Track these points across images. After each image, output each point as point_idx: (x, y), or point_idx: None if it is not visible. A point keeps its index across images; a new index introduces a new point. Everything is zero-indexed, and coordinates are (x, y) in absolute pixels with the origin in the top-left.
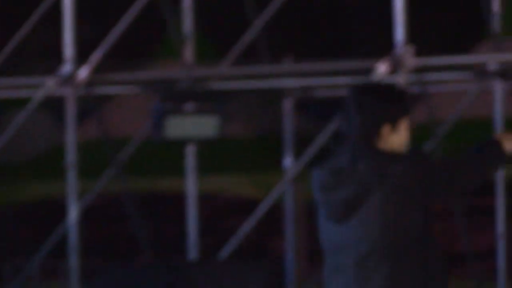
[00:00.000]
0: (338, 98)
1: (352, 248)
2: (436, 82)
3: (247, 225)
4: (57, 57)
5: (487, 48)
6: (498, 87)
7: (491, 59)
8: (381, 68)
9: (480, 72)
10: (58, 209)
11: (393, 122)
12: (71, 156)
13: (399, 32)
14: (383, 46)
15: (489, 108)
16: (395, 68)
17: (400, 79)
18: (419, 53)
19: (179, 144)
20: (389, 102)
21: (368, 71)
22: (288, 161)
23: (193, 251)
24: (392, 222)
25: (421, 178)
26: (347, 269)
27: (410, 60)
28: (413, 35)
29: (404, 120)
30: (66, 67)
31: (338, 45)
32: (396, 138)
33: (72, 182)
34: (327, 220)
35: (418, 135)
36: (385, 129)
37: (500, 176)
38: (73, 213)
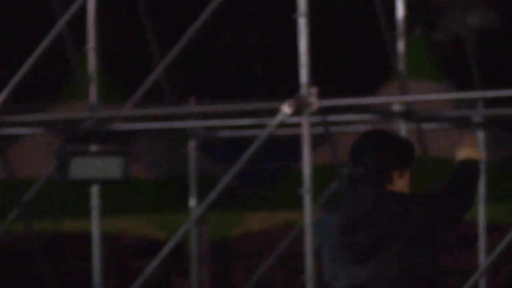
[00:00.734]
0: (242, 139)
1: (374, 286)
2: (341, 123)
3: (152, 265)
4: None
5: (392, 89)
6: (403, 128)
7: (396, 100)
8: (285, 110)
9: (385, 113)
10: None
11: (402, 168)
12: None
13: (303, 73)
14: (287, 87)
15: None
16: (299, 109)
17: (304, 121)
18: (323, 94)
19: (84, 185)
20: (401, 151)
21: (273, 112)
22: (192, 202)
23: None
24: (413, 262)
25: (431, 214)
26: None
27: (314, 101)
28: (317, 77)
29: (408, 169)
30: None
31: (242, 86)
32: (402, 183)
33: None
34: (346, 261)
35: (322, 175)
36: (395, 174)
37: None
38: None
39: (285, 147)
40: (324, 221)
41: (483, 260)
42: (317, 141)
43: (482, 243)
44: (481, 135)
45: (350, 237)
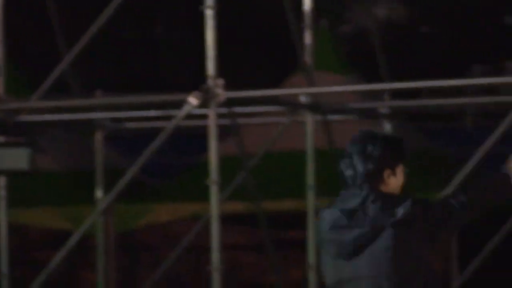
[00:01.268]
0: (149, 130)
1: (360, 282)
2: (247, 114)
3: (58, 257)
4: None
5: (298, 81)
6: (309, 120)
7: (302, 92)
8: (192, 101)
9: (292, 104)
10: None
11: (393, 168)
12: None
13: (210, 65)
14: (194, 79)
15: (300, 141)
16: (206, 101)
17: (211, 112)
18: (230, 86)
19: None
20: (389, 150)
21: (179, 104)
22: (99, 193)
23: (4, 284)
24: (400, 258)
25: (423, 216)
26: None
27: (221, 92)
28: (224, 69)
29: (400, 165)
30: None
31: (149, 79)
32: (394, 181)
33: None
34: (336, 256)
35: (228, 167)
36: (386, 174)
37: (310, 208)
38: None
39: (192, 138)
40: (322, 215)
41: None
42: (224, 132)
43: None
44: (387, 126)
45: (337, 234)
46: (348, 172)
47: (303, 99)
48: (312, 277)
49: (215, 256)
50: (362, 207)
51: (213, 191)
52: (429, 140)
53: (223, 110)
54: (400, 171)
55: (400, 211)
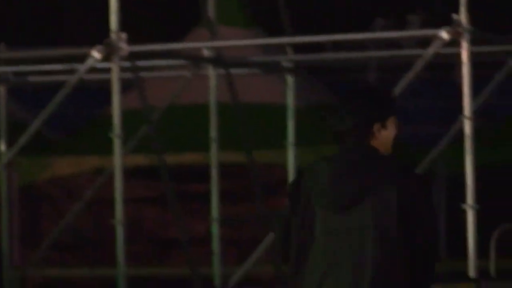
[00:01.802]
0: (52, 84)
1: (349, 235)
2: (150, 68)
3: None
4: None
5: (201, 35)
6: (212, 74)
7: (205, 46)
8: (95, 55)
9: (194, 58)
10: None
11: (382, 121)
12: None
13: (113, 19)
14: (97, 33)
15: (203, 94)
16: (109, 55)
17: (114, 66)
18: (134, 40)
19: None
20: (377, 103)
21: (82, 58)
22: (2, 147)
23: None
24: (403, 212)
25: (404, 202)
26: (340, 253)
27: (124, 47)
28: (127, 22)
29: (391, 118)
30: None
31: (52, 32)
32: (386, 134)
33: None
34: (326, 209)
35: (131, 120)
36: (376, 128)
37: (214, 161)
38: None
39: (94, 92)
40: (315, 168)
41: None
42: (126, 86)
43: None
44: (290, 80)
45: (334, 186)
46: (339, 127)
47: (206, 53)
48: (215, 230)
49: (118, 209)
50: (361, 161)
51: (117, 145)
52: (332, 94)
53: (126, 64)
54: (391, 123)
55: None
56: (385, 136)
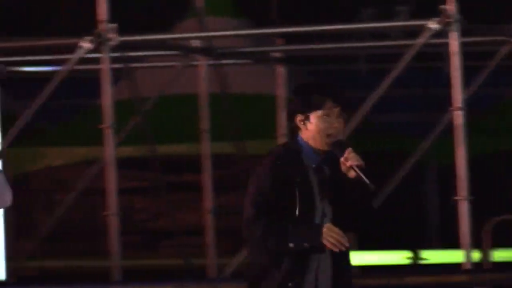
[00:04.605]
0: (42, 75)
1: None
2: (141, 58)
3: None
4: None
5: (190, 26)
6: (202, 64)
7: (196, 36)
8: (85, 45)
9: (184, 48)
10: None
11: (303, 112)
12: None
13: (103, 9)
14: (86, 24)
15: (194, 85)
16: (99, 45)
17: (104, 57)
18: (124, 30)
19: None
20: (299, 97)
21: (72, 48)
22: None
23: None
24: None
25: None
26: None
27: (114, 37)
28: (117, 13)
29: (318, 111)
30: None
31: (41, 22)
32: (313, 127)
33: None
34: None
35: (121, 111)
36: (298, 120)
37: (206, 152)
38: None
39: (84, 82)
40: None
41: None
42: (117, 76)
43: None
44: (281, 70)
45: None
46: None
47: (195, 43)
48: (210, 221)
49: (112, 200)
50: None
51: (108, 136)
52: None
53: (116, 54)
54: (316, 116)
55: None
56: (313, 129)
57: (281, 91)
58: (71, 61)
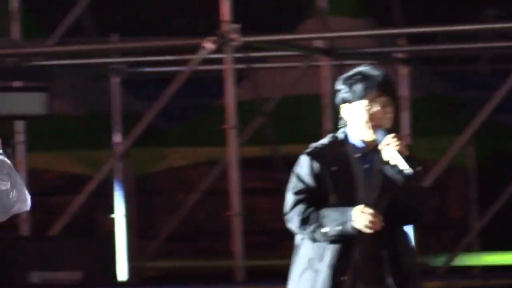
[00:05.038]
0: (164, 75)
1: None
2: (263, 59)
3: (78, 201)
4: None
5: (313, 26)
6: (325, 64)
7: (318, 37)
8: (208, 46)
9: (307, 49)
10: None
11: (349, 103)
12: None
13: (225, 9)
14: (209, 24)
15: (314, 85)
16: (222, 46)
17: (227, 57)
18: (246, 31)
19: (8, 121)
20: (344, 87)
21: (195, 48)
22: (117, 138)
23: (24, 227)
24: None
25: None
26: None
27: (237, 37)
28: (239, 13)
29: (362, 100)
30: None
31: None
32: (357, 117)
33: None
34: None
35: (244, 111)
36: (343, 111)
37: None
38: None
39: (205, 82)
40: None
41: None
42: (239, 77)
43: None
44: (404, 71)
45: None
46: None
47: (318, 43)
48: None
49: (235, 201)
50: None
51: (232, 136)
52: (444, 84)
53: (239, 54)
54: (360, 106)
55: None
56: (356, 119)
57: (404, 92)
58: (194, 62)
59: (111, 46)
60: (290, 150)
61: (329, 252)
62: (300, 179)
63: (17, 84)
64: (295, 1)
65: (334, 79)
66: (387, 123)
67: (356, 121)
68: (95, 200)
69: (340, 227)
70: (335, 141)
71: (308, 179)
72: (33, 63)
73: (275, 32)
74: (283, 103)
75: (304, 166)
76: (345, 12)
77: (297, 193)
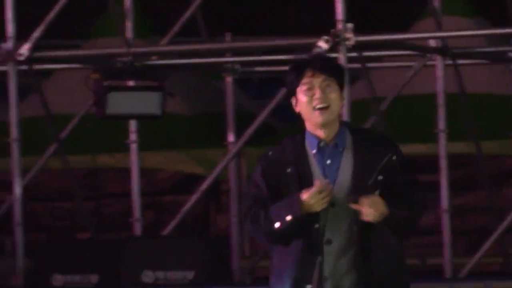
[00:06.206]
0: (277, 74)
1: None
2: (377, 58)
3: (192, 201)
4: None
5: (427, 25)
6: (439, 64)
7: (432, 36)
8: (322, 45)
9: (421, 48)
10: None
11: (291, 91)
12: (14, 132)
13: (340, 8)
14: (323, 23)
15: (429, 85)
16: (335, 45)
17: (341, 56)
18: (359, 30)
19: (121, 120)
20: (289, 75)
21: (309, 48)
22: (231, 137)
23: (137, 227)
24: None
25: None
26: None
27: (351, 36)
28: (353, 12)
29: (299, 86)
30: (8, 44)
31: (277, 22)
32: (300, 107)
33: (15, 158)
34: None
35: (358, 111)
36: (293, 102)
37: (443, 152)
38: (16, 189)
39: None
40: None
41: None
42: (353, 76)
43: None
44: None
45: None
46: None
47: (432, 43)
48: (447, 220)
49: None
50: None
51: None
52: None
53: (353, 54)
54: (299, 92)
55: None
56: (301, 109)
57: None
58: None
59: (227, 45)
60: (404, 150)
61: (292, 262)
62: (253, 183)
63: (131, 83)
64: (409, 0)
65: (447, 79)
66: (333, 104)
67: (303, 111)
68: (208, 199)
69: (290, 216)
70: (294, 141)
71: (260, 183)
72: (147, 62)
73: (388, 31)
74: (397, 103)
75: (256, 171)
76: (457, 11)
77: (250, 198)
